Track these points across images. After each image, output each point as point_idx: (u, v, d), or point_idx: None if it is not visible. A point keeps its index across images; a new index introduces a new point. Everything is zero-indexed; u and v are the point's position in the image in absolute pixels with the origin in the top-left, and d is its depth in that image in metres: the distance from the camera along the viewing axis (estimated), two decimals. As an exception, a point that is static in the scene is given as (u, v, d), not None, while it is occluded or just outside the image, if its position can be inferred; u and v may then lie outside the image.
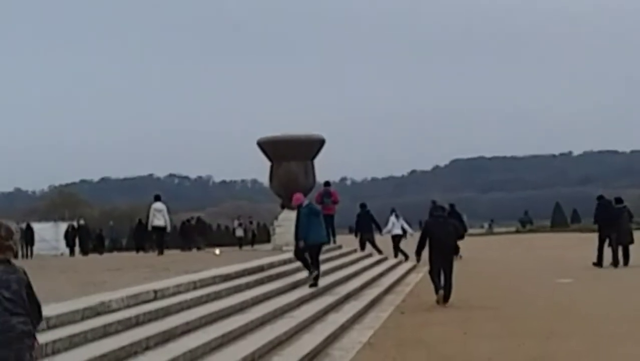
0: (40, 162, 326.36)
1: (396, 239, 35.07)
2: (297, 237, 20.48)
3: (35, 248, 48.86)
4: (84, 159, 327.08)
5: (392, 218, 35.43)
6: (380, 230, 35.00)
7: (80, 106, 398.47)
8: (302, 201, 20.88)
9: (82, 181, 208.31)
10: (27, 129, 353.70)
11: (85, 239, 49.91)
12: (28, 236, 46.92)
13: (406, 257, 33.05)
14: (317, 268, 20.44)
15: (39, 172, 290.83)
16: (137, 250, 45.56)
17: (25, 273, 7.05)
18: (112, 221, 62.03)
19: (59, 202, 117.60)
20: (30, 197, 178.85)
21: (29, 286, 7.04)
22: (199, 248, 42.73)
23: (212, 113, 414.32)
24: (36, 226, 56.85)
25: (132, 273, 19.35)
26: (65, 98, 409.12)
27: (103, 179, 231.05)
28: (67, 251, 49.98)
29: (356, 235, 34.54)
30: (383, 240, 34.99)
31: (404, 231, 35.57)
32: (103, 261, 29.97)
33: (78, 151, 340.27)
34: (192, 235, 47.26)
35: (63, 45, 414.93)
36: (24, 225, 48.25)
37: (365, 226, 34.25)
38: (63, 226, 53.79)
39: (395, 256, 33.87)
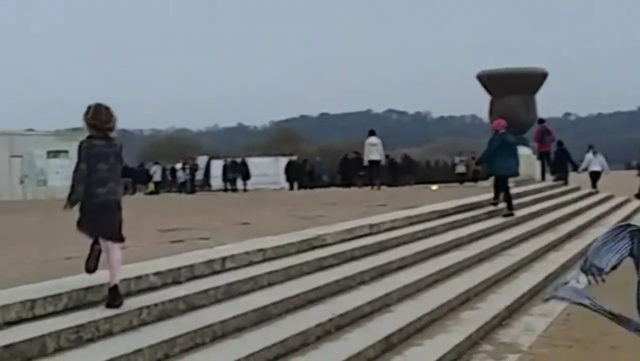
0: (262, 98, 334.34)
1: (594, 175, 34.04)
2: (480, 161, 20.10)
3: (255, 181, 50.04)
4: (304, 95, 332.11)
5: (589, 155, 34.56)
6: (576, 168, 34.03)
7: (299, 45, 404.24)
8: (501, 127, 20.29)
9: (302, 117, 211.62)
10: (248, 68, 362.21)
11: (300, 174, 50.49)
12: (243, 171, 48.00)
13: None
14: (506, 198, 19.97)
15: (261, 108, 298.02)
16: (344, 185, 45.58)
17: (121, 147, 8.31)
18: (318, 157, 62.33)
19: (279, 138, 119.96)
20: (251, 132, 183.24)
21: (122, 159, 8.32)
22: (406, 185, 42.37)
23: (429, 47, 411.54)
24: (257, 161, 58.23)
25: (349, 208, 19.33)
26: (289, 38, 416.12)
27: (322, 115, 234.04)
28: (287, 185, 50.83)
29: (552, 173, 33.48)
30: (580, 178, 33.88)
31: (602, 168, 34.48)
32: (319, 196, 30.26)
33: (298, 87, 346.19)
34: (354, 171, 46.48)
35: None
36: (239, 160, 49.46)
37: (562, 164, 33.21)
38: (283, 161, 54.63)
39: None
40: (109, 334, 7.33)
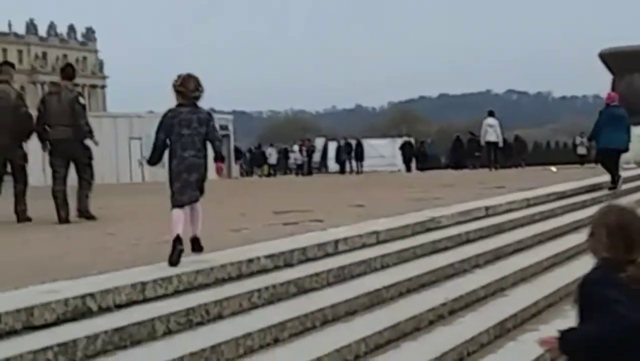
0: (381, 79, 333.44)
1: None
2: (590, 138, 19.49)
3: (372, 163, 49.92)
4: (423, 76, 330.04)
5: None
6: None
7: (418, 25, 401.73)
8: (611, 100, 19.66)
9: (421, 98, 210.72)
10: (366, 49, 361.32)
11: (416, 155, 50.10)
12: (358, 152, 47.94)
13: None
14: (614, 173, 19.42)
15: (379, 89, 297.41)
16: (456, 167, 45.02)
17: (209, 114, 8.87)
18: (429, 138, 61.61)
19: (398, 119, 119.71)
20: (370, 113, 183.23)
21: (208, 124, 8.70)
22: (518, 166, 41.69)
23: (550, 25, 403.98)
24: (374, 142, 58.10)
25: (465, 190, 19.06)
26: (408, 18, 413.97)
27: (441, 96, 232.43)
28: (403, 167, 50.59)
29: None
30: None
31: None
32: (435, 177, 29.97)
33: (417, 68, 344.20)
34: (467, 152, 45.64)
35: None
36: (353, 141, 49.37)
37: None
38: (400, 143, 54.26)
39: None
40: (219, 317, 7.32)
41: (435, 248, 11.43)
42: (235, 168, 48.93)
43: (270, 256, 9.02)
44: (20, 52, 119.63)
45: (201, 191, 8.86)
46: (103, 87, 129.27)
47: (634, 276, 4.17)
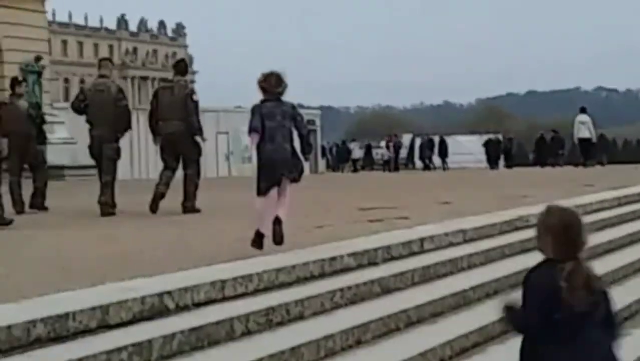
0: (468, 75, 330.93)
1: None
2: None
3: (460, 160, 49.33)
4: (511, 72, 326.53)
5: None
6: None
7: (505, 21, 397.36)
8: None
9: (509, 94, 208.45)
10: (453, 44, 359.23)
11: (498, 153, 49.28)
12: (442, 149, 47.46)
13: None
14: None
15: (467, 85, 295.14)
16: (541, 165, 44.27)
17: (293, 107, 9.25)
18: (511, 135, 60.22)
19: (485, 115, 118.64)
20: (457, 109, 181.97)
21: (294, 118, 9.08)
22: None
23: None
24: (462, 139, 57.46)
25: (553, 188, 18.62)
26: (495, 13, 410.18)
27: (529, 92, 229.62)
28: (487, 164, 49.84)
29: None
30: None
31: None
32: (522, 174, 29.46)
33: (505, 64, 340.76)
34: (551, 150, 44.71)
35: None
36: (436, 138, 48.91)
37: None
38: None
39: None
40: (300, 318, 7.11)
41: (524, 248, 11.05)
42: (322, 163, 48.85)
43: (353, 254, 8.80)
44: (111, 47, 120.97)
45: (295, 180, 9.13)
46: (192, 82, 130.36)
47: (573, 271, 4.51)
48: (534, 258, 10.35)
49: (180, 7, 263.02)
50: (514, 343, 7.79)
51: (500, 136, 53.31)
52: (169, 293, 6.39)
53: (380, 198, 17.13)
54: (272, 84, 9.10)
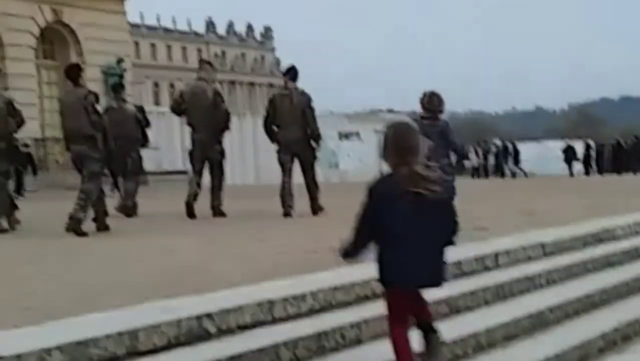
0: (561, 80, 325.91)
1: None
2: None
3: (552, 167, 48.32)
4: (606, 77, 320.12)
5: None
6: None
7: (593, 23, 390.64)
8: None
9: (602, 100, 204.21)
10: (545, 50, 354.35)
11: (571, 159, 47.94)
12: (515, 155, 46.54)
13: None
14: None
15: (560, 90, 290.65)
16: (618, 172, 43.25)
17: (446, 123, 10.63)
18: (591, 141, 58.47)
19: (578, 121, 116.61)
20: (550, 115, 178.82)
21: (447, 136, 10.35)
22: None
23: None
24: (552, 145, 56.11)
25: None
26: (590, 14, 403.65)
27: (624, 98, 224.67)
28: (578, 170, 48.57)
29: None
30: None
31: None
32: (612, 182, 28.37)
33: (599, 68, 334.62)
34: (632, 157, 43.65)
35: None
36: (509, 144, 47.92)
37: None
38: (578, 146, 52.10)
39: None
40: (357, 342, 6.50)
41: (608, 263, 10.37)
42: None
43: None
44: (199, 50, 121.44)
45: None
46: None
47: (406, 175, 5.22)
48: (620, 274, 9.71)
49: (269, 10, 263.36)
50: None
51: (591, 142, 51.85)
52: (208, 315, 5.79)
53: (462, 206, 16.47)
54: (434, 104, 10.52)
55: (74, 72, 13.07)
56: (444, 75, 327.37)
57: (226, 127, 14.77)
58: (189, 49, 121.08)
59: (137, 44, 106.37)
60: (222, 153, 14.77)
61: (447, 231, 5.48)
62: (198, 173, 14.60)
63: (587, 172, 45.81)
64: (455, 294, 7.83)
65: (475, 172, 48.06)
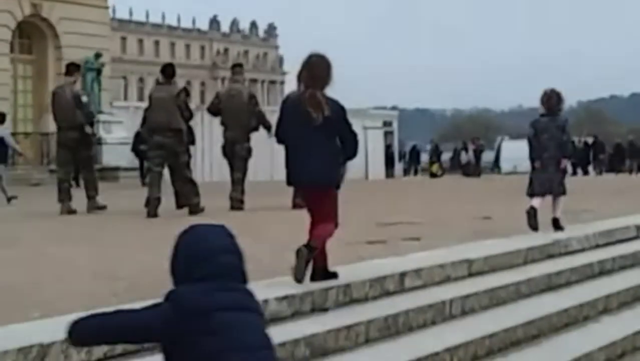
0: (570, 78, 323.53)
1: None
2: None
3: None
4: (614, 74, 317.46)
5: None
6: None
7: (606, 21, 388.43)
8: None
9: (612, 97, 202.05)
10: (553, 46, 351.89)
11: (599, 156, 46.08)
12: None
13: None
14: None
15: (568, 87, 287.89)
16: (615, 172, 41.80)
17: (566, 121, 11.37)
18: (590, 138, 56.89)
19: (586, 118, 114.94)
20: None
21: (564, 131, 11.06)
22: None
23: None
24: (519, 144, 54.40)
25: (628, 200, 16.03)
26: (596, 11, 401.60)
27: (633, 95, 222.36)
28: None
29: None
30: None
31: None
32: (602, 182, 26.48)
33: (609, 65, 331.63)
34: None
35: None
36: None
37: None
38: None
39: None
40: None
41: (550, 285, 8.47)
42: (399, 167, 46.43)
43: (283, 298, 6.31)
44: (202, 48, 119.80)
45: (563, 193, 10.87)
46: (282, 82, 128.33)
47: (310, 96, 6.96)
48: (563, 300, 7.84)
49: (273, 8, 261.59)
50: None
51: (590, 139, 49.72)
52: None
53: (413, 210, 14.66)
54: (552, 103, 10.98)
55: (170, 70, 14.28)
56: (450, 71, 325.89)
57: (256, 127, 15.27)
58: (192, 46, 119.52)
59: (124, 39, 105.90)
60: (248, 151, 15.24)
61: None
62: (232, 168, 15.22)
63: (586, 172, 43.90)
64: (320, 332, 5.98)
65: (466, 168, 46.10)
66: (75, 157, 15.06)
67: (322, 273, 6.92)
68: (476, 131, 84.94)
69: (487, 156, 53.72)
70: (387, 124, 43.42)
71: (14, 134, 33.27)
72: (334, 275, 7.01)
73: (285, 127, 7.20)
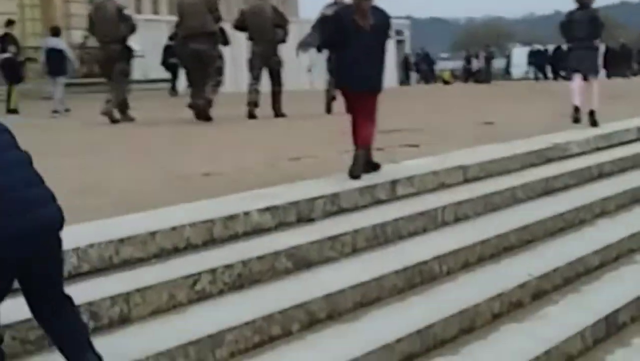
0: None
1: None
2: None
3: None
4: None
5: None
6: None
7: None
8: None
9: (622, 3, 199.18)
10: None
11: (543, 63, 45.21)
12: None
13: None
14: None
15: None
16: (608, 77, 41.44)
17: (595, 11, 12.24)
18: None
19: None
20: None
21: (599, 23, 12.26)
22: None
23: None
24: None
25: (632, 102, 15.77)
26: None
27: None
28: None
29: None
30: None
31: None
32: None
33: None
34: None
35: None
36: (542, 48, 45.35)
37: None
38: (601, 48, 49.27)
39: None
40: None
41: (547, 189, 8.30)
42: (414, 76, 46.14)
43: (266, 210, 6.13)
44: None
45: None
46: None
47: (352, 6, 7.54)
48: (560, 203, 7.68)
49: None
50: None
51: (543, 47, 48.66)
52: None
53: (419, 118, 14.37)
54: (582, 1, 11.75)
55: None
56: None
57: (283, 40, 15.57)
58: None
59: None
60: (279, 63, 15.62)
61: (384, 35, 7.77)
62: (257, 79, 15.44)
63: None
64: (304, 242, 5.86)
65: (471, 76, 45.53)
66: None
67: (368, 164, 7.55)
68: (489, 39, 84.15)
69: (499, 63, 53.23)
70: (398, 32, 42.84)
71: (23, 48, 33.17)
72: (377, 166, 7.72)
73: (337, 37, 7.71)
